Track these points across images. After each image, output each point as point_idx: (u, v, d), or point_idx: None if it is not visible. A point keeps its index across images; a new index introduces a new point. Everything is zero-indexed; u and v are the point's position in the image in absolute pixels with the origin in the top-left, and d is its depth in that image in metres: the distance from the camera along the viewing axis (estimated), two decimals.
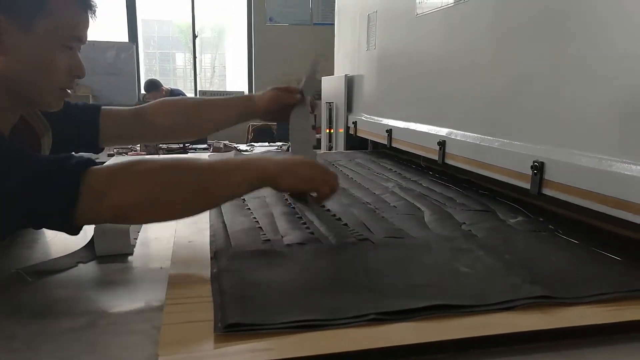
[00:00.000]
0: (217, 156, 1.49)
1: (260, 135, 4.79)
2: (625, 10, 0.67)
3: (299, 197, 0.81)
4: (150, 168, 0.65)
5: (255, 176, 0.68)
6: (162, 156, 0.69)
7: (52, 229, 0.65)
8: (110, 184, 0.62)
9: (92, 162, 0.63)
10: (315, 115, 0.89)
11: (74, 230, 0.62)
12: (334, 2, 2.08)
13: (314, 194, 0.75)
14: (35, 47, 0.70)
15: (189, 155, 1.56)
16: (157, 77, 4.71)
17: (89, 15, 0.74)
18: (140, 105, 1.00)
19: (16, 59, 0.69)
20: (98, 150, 0.96)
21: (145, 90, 4.57)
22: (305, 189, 0.75)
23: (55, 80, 0.73)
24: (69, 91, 0.76)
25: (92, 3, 0.74)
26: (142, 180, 0.64)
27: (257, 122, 4.96)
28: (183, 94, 4.62)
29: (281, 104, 0.97)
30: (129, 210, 0.63)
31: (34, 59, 0.70)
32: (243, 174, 0.68)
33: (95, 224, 0.68)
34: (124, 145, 3.10)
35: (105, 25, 5.07)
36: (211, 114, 1.01)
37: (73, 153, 0.69)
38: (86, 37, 0.75)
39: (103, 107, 0.96)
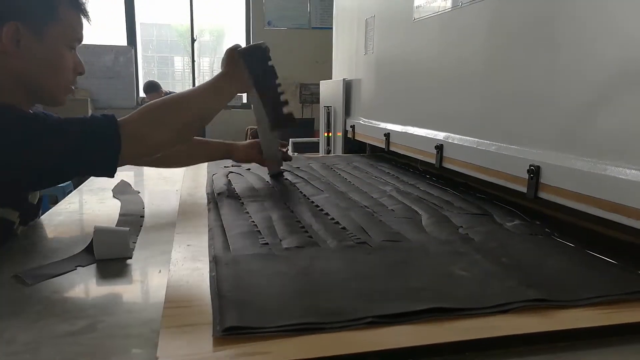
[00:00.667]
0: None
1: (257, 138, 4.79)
2: (619, 16, 0.68)
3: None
4: (166, 107, 0.85)
5: (228, 97, 0.93)
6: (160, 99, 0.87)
7: (98, 176, 0.82)
8: (144, 127, 0.80)
9: (114, 116, 0.79)
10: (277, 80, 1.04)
11: (114, 173, 0.79)
12: (332, 6, 2.08)
13: None
14: (47, 50, 0.81)
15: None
16: (156, 81, 4.70)
17: (85, 20, 0.87)
18: None
19: (32, 61, 0.80)
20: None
21: (144, 91, 4.57)
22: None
23: (65, 78, 0.85)
24: (72, 87, 0.88)
25: (87, 10, 0.87)
26: (167, 117, 0.83)
27: (255, 126, 4.97)
28: None
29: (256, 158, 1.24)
30: (163, 144, 0.84)
31: (47, 60, 0.82)
32: (223, 95, 0.93)
33: (133, 164, 0.87)
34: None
35: (104, 29, 5.08)
36: (199, 153, 1.22)
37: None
38: (83, 38, 0.88)
39: None
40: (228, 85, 0.94)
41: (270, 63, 1.00)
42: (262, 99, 1.03)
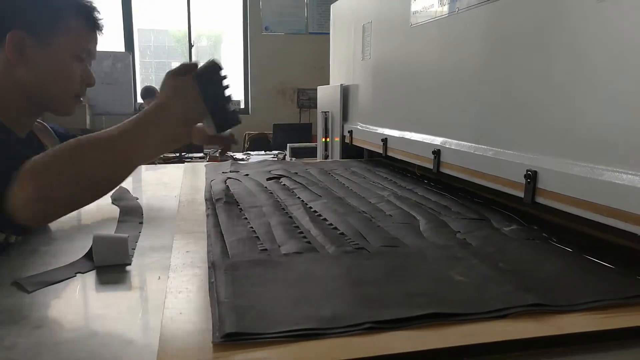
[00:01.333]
0: (213, 166, 1.49)
1: (256, 144, 4.81)
2: (614, 21, 0.68)
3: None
4: (75, 154, 0.69)
5: (163, 136, 0.74)
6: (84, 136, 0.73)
7: None
8: (39, 181, 0.67)
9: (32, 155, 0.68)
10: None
11: (18, 229, 0.70)
12: (330, 11, 2.09)
13: None
14: (52, 59, 0.82)
15: (185, 164, 1.58)
16: (154, 86, 4.72)
17: (97, 33, 0.87)
18: None
19: (37, 69, 0.81)
20: None
21: (142, 96, 4.59)
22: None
23: (71, 87, 0.85)
24: (81, 98, 0.89)
25: (99, 23, 0.86)
26: (71, 172, 0.69)
27: (253, 131, 4.98)
28: None
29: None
30: (62, 200, 0.70)
31: (52, 68, 0.82)
32: (158, 133, 0.74)
33: (33, 222, 0.73)
34: None
35: (101, 35, 5.09)
36: None
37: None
38: (95, 52, 0.88)
39: None
40: (168, 120, 0.74)
41: (225, 83, 0.81)
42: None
